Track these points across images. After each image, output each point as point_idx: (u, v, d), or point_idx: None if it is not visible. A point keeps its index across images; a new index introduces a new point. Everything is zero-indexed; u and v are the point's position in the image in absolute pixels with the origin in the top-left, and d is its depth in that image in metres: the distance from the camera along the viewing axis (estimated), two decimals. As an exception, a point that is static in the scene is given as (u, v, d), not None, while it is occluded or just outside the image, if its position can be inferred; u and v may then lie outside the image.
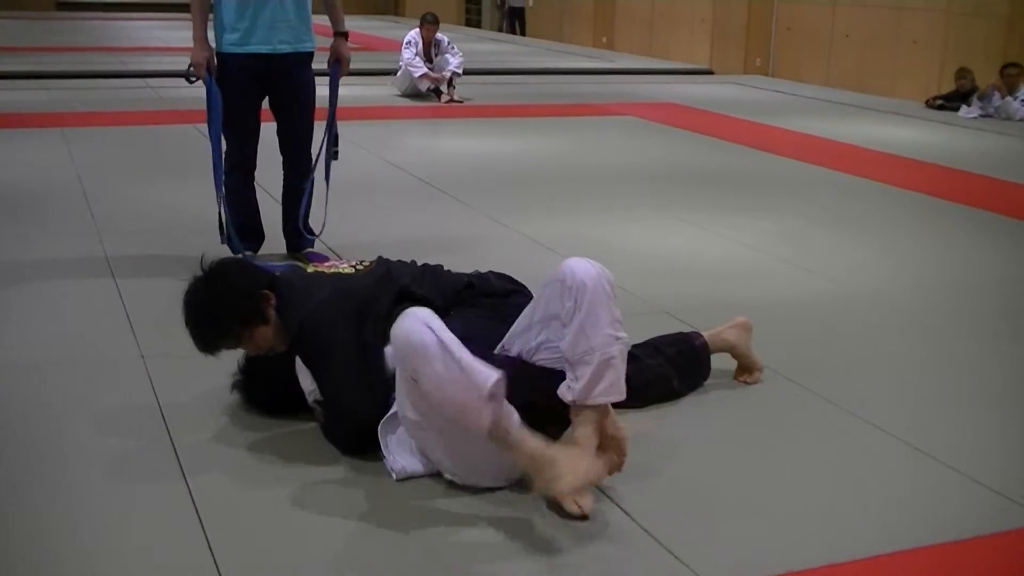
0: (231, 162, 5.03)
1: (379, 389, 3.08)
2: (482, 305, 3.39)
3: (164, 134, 8.92)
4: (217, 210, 5.03)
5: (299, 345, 3.21)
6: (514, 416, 2.80)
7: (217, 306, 3.18)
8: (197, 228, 5.68)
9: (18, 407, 3.49)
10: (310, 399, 3.27)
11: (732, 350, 3.79)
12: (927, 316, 4.71)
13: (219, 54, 4.89)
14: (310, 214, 5.21)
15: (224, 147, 5.02)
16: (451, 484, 2.98)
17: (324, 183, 5.20)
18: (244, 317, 3.18)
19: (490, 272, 3.59)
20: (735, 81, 14.78)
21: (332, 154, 5.17)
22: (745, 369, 3.82)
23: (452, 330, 2.83)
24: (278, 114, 5.09)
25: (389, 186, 7.12)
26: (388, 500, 2.93)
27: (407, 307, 2.94)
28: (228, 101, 4.89)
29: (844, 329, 4.49)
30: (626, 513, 2.85)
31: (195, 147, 8.23)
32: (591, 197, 6.94)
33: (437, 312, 2.92)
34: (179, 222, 5.94)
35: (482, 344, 3.06)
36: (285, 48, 4.91)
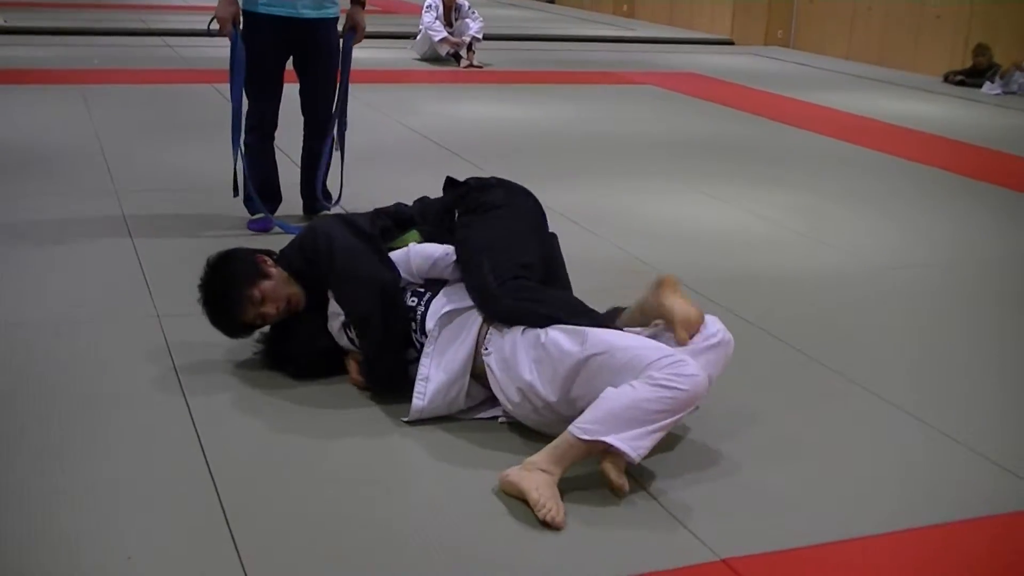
0: (252, 122, 5.01)
1: (389, 263, 3.30)
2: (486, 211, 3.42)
3: (183, 93, 8.91)
4: (233, 167, 5.02)
5: (306, 254, 3.37)
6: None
7: (221, 284, 3.36)
8: (215, 188, 5.68)
9: (34, 363, 3.51)
10: (337, 325, 3.33)
11: (655, 313, 3.18)
12: (943, 292, 4.69)
13: (245, 12, 4.87)
14: (327, 180, 5.21)
15: (246, 106, 5.00)
16: (465, 441, 3.04)
17: (339, 151, 5.19)
18: (246, 279, 3.33)
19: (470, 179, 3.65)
20: (756, 52, 14.69)
21: (342, 123, 5.15)
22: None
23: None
24: (301, 75, 5.08)
25: (407, 151, 7.11)
26: (401, 451, 2.95)
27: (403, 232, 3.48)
28: (252, 60, 4.87)
29: (858, 303, 4.47)
30: (643, 488, 2.86)
31: (214, 107, 8.22)
32: (608, 165, 6.92)
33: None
34: (197, 182, 5.94)
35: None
36: (308, 13, 4.89)
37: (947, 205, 6.31)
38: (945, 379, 3.73)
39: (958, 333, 4.20)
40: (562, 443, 2.79)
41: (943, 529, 2.74)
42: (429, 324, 3.19)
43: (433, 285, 3.31)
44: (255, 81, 4.92)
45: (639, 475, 2.89)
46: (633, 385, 2.76)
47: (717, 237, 5.34)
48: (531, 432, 3.09)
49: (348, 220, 3.48)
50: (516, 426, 3.13)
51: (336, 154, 5.20)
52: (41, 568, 2.41)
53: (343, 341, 3.36)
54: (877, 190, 6.57)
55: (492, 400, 3.22)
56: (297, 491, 2.77)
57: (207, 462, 2.88)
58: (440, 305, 3.21)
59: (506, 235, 3.26)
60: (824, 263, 5.00)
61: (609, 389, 2.79)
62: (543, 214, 3.51)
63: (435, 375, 3.12)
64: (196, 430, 3.06)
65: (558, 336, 2.98)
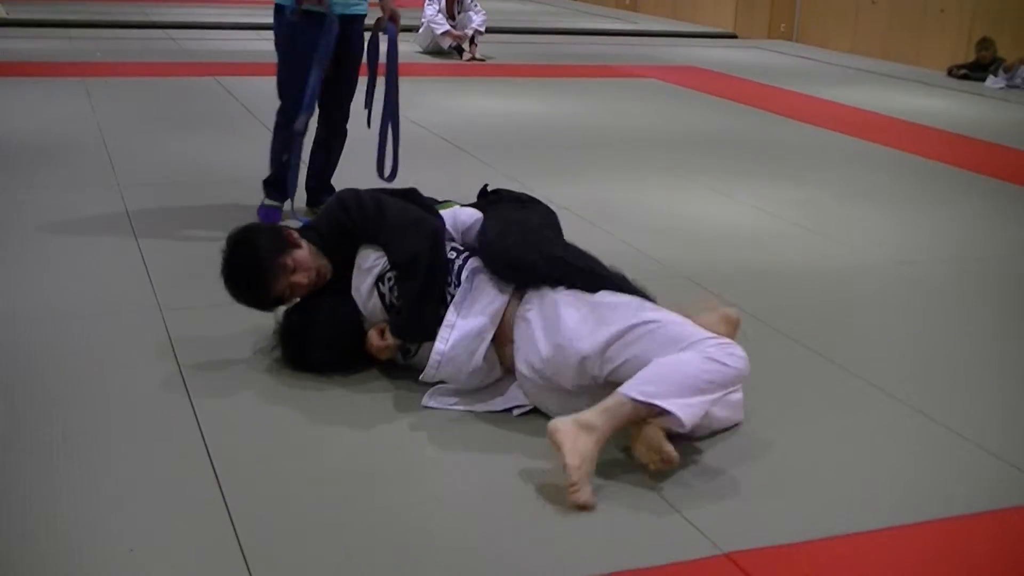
0: (282, 118, 4.95)
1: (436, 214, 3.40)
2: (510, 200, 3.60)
3: (185, 86, 8.90)
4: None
5: (351, 215, 3.35)
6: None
7: (251, 255, 3.31)
8: (218, 181, 5.70)
9: (35, 358, 3.50)
10: (369, 282, 3.31)
11: None
12: (947, 286, 4.68)
13: (279, 7, 4.85)
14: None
15: (280, 103, 4.98)
16: (472, 434, 3.04)
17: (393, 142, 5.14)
18: (277, 248, 3.29)
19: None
20: (759, 46, 14.66)
21: (395, 117, 5.05)
22: None
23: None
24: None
25: (409, 144, 7.03)
26: (406, 445, 2.95)
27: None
28: (288, 58, 4.85)
29: (862, 298, 4.47)
30: (644, 480, 2.85)
31: (216, 100, 8.24)
32: (611, 159, 6.91)
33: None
34: (199, 175, 5.93)
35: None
36: (340, 10, 4.85)
37: (951, 200, 6.30)
38: (948, 374, 3.72)
39: (962, 328, 4.19)
40: (613, 403, 2.77)
41: (946, 524, 2.74)
42: (464, 275, 3.23)
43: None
44: (292, 78, 4.87)
45: (641, 468, 2.89)
46: (684, 355, 2.81)
47: (720, 232, 5.33)
48: (541, 427, 3.09)
49: (383, 189, 3.55)
50: (526, 421, 3.13)
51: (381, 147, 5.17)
52: (43, 562, 2.41)
53: (372, 301, 3.32)
54: (881, 185, 6.56)
55: (501, 387, 3.23)
56: (301, 485, 2.77)
57: (210, 456, 2.88)
58: (480, 261, 3.27)
59: (539, 225, 3.43)
60: (828, 258, 4.99)
61: (658, 359, 2.81)
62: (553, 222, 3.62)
63: (461, 324, 3.14)
64: (199, 424, 3.05)
65: (612, 297, 3.05)
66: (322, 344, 3.35)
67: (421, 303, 3.21)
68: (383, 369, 3.41)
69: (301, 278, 3.32)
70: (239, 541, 2.49)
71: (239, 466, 2.84)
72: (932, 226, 5.66)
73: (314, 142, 5.22)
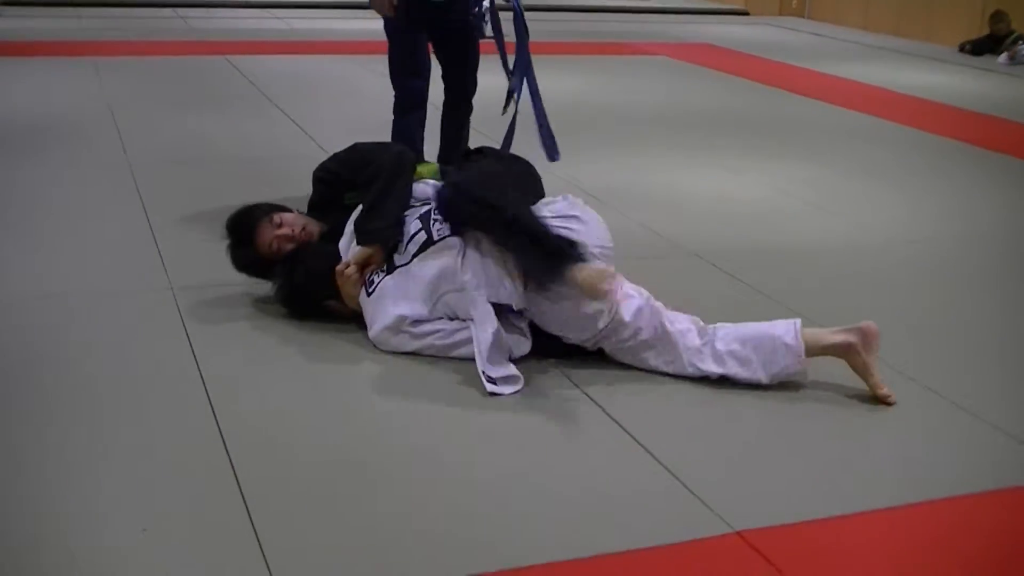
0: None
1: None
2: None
3: (195, 65, 8.90)
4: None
5: (324, 168, 3.81)
6: None
7: (245, 217, 3.75)
8: (228, 160, 5.69)
9: (46, 338, 3.51)
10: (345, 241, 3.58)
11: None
12: (956, 264, 4.67)
13: None
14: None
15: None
16: (480, 412, 3.03)
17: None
18: (266, 210, 3.74)
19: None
20: (771, 23, 14.59)
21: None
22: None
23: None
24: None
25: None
26: (416, 428, 2.96)
27: None
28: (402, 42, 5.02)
29: (870, 275, 4.45)
30: (653, 456, 2.86)
31: (226, 79, 8.23)
32: (621, 137, 6.89)
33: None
34: (209, 154, 5.93)
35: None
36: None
37: (961, 177, 6.27)
38: (958, 351, 3.71)
39: (971, 305, 4.17)
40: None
41: (956, 503, 2.73)
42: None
43: None
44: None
45: (651, 447, 2.89)
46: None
47: (731, 208, 5.32)
48: (558, 408, 3.09)
49: None
50: (538, 403, 3.14)
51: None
52: (55, 543, 2.42)
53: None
54: (891, 162, 6.53)
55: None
56: (314, 466, 2.77)
57: (222, 437, 2.88)
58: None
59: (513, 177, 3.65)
60: (836, 235, 4.98)
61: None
62: (534, 177, 3.82)
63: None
64: (211, 404, 3.06)
65: None
66: (311, 271, 3.57)
67: (383, 199, 3.46)
68: (398, 354, 3.42)
69: (286, 230, 3.67)
70: (251, 520, 2.50)
71: (252, 447, 2.85)
72: (942, 203, 5.63)
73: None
